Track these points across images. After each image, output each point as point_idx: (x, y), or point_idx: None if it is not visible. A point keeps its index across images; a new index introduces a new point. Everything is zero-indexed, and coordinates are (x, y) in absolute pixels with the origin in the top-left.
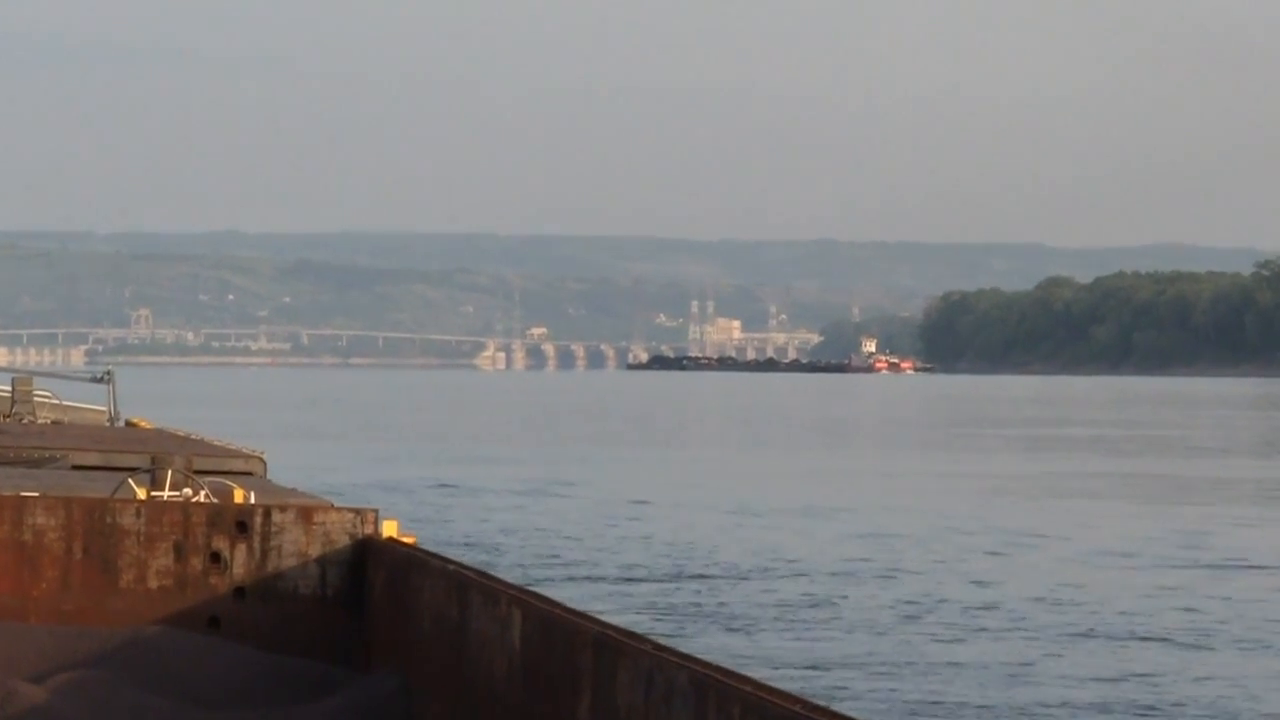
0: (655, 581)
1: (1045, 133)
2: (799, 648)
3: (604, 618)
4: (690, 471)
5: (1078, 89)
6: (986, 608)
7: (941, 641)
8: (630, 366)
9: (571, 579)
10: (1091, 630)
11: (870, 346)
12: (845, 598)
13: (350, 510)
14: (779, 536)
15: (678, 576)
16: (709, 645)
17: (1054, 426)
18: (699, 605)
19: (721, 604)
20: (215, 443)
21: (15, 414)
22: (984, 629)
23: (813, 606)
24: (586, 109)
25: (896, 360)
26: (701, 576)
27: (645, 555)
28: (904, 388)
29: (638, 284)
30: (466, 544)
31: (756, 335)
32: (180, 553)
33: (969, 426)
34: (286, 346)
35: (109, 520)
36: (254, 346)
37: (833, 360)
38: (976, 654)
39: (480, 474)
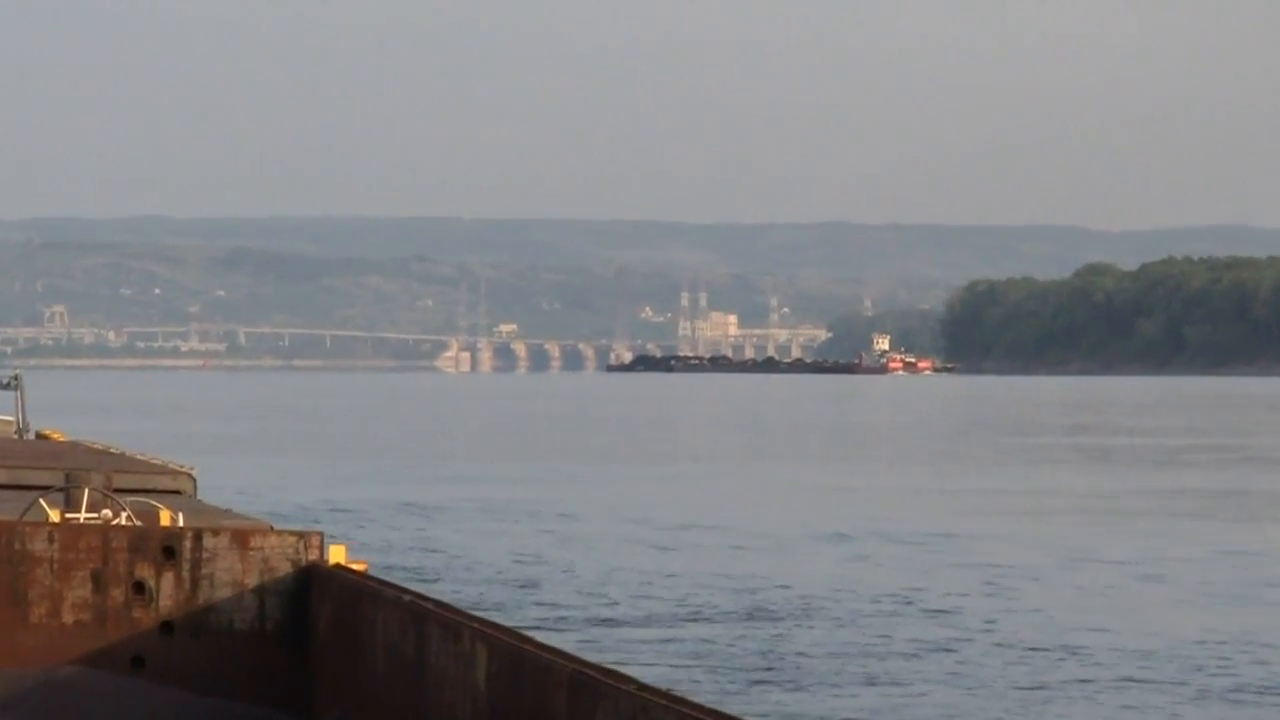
0: (684, 624)
1: (1084, 101)
2: (889, 707)
3: (630, 671)
4: (693, 490)
5: (1120, 51)
6: (1109, 658)
7: (1071, 699)
8: (611, 368)
9: (573, 622)
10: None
11: (883, 344)
12: (933, 644)
13: (292, 534)
14: (821, 568)
15: (712, 618)
16: (775, 706)
17: (1099, 434)
18: (752, 654)
19: (777, 653)
20: (139, 457)
21: None
22: (1111, 684)
23: (891, 655)
24: (562, 75)
25: (913, 359)
26: (743, 618)
27: (664, 593)
28: (922, 390)
29: (621, 274)
30: (427, 574)
31: (755, 331)
32: (99, 583)
33: (1002, 435)
34: (221, 347)
35: (18, 546)
36: (184, 347)
37: (840, 360)
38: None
39: (444, 493)
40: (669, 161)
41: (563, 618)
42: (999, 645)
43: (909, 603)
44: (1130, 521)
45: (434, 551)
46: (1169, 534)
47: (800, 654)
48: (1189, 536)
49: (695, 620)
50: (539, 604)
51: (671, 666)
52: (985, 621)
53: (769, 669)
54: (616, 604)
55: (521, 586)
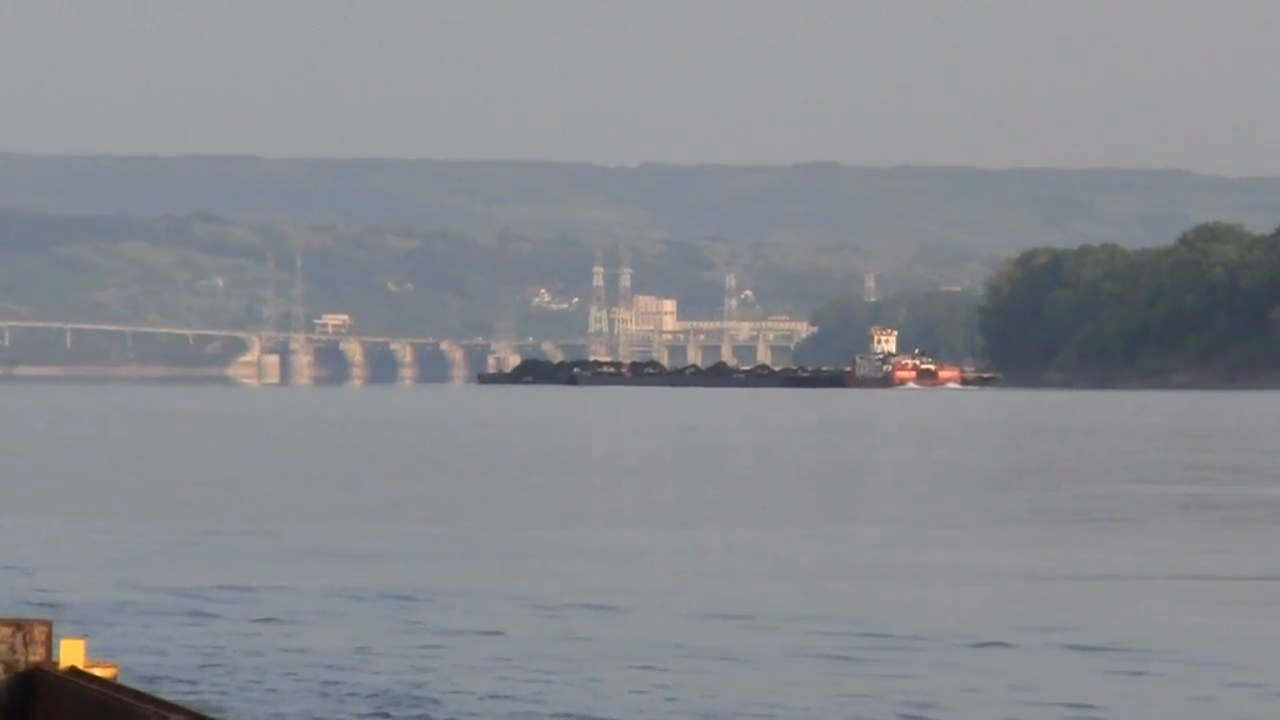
0: None
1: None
2: None
3: None
4: (646, 563)
5: None
6: None
7: None
8: (484, 379)
9: None
10: None
11: (887, 342)
12: None
13: (6, 623)
14: (910, 685)
15: None
16: None
17: (1232, 479)
18: None
19: None
20: None
21: None
22: None
23: None
24: None
25: (931, 365)
26: None
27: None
28: (942, 411)
29: (504, 240)
30: (205, 686)
31: (703, 324)
32: None
33: (1086, 483)
34: None
35: None
36: None
37: (825, 366)
38: None
39: (238, 568)
40: (575, 79)
41: None
42: None
43: None
44: None
45: (214, 660)
46: None
47: None
48: None
49: None
50: None
51: None
52: None
53: None
54: None
55: (363, 713)
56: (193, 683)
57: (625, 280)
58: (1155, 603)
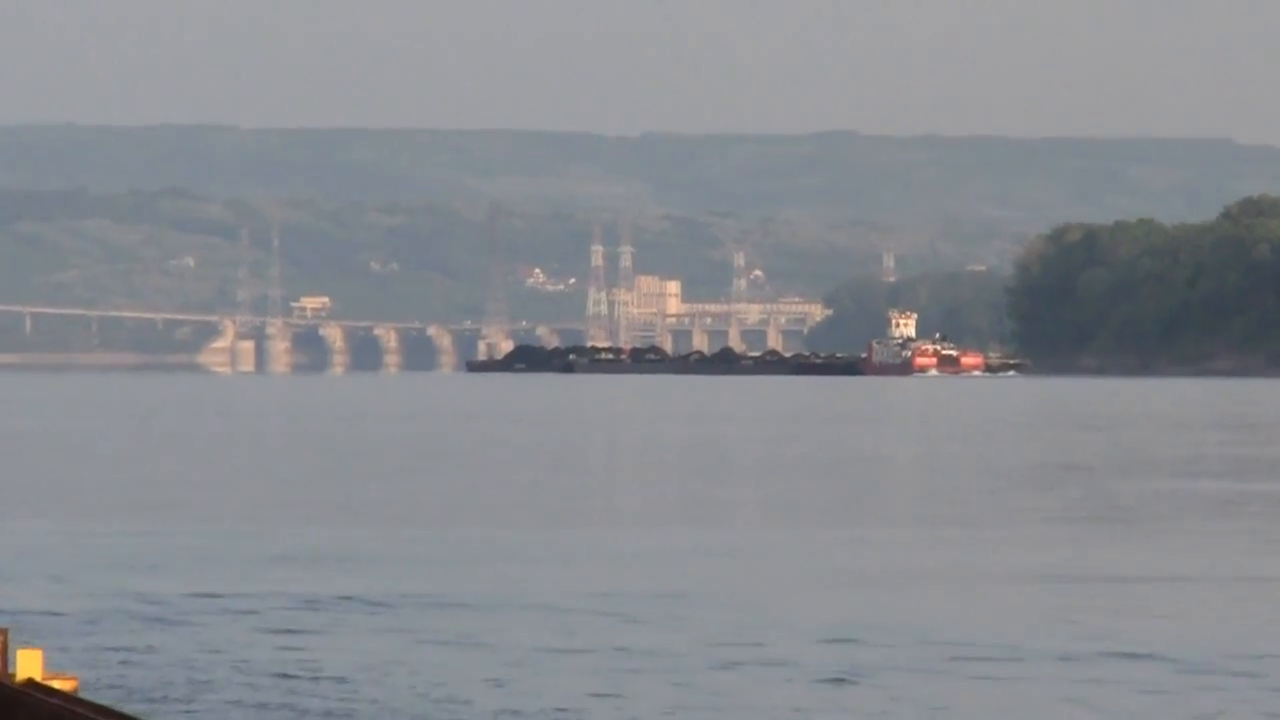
0: None
1: None
2: None
3: None
4: (662, 568)
5: None
6: None
7: None
8: (474, 366)
9: None
10: None
11: (906, 326)
12: None
13: None
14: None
15: None
16: None
17: None
18: None
19: None
20: None
21: None
22: None
23: None
24: None
25: (954, 350)
26: None
27: None
28: (969, 401)
29: (496, 216)
30: (195, 702)
31: (710, 307)
32: None
33: (1126, 478)
34: None
35: None
36: None
37: (839, 353)
38: None
39: (219, 570)
40: (572, 42)
41: None
42: None
43: None
44: None
45: (204, 676)
46: None
47: None
48: None
49: None
50: None
51: None
52: None
53: None
54: None
55: None
56: (186, 702)
57: (626, 259)
58: (1206, 608)
